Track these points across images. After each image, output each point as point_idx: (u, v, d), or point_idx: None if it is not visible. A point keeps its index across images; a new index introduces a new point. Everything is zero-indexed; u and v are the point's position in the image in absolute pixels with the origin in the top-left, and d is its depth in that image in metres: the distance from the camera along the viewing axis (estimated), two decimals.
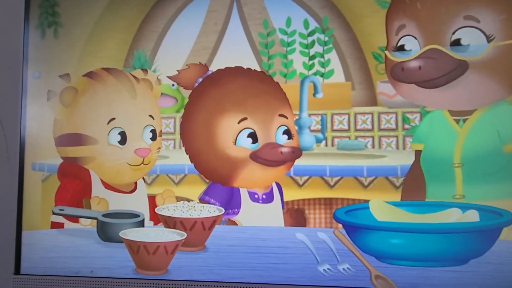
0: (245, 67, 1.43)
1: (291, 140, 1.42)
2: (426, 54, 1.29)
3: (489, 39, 1.26)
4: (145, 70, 1.51)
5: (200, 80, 1.44)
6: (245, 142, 1.39)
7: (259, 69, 1.46)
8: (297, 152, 1.39)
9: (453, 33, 1.28)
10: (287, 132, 1.41)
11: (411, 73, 1.30)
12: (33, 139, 1.52)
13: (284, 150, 1.38)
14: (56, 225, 1.48)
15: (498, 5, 1.26)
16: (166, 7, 1.54)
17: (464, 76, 1.27)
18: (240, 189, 1.42)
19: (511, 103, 1.28)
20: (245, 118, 1.39)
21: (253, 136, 1.39)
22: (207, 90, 1.43)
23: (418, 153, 1.35)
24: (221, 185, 1.42)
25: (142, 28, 1.55)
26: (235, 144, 1.39)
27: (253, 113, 1.39)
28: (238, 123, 1.39)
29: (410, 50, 1.32)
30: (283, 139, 1.40)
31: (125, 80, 1.49)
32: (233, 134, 1.39)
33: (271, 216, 1.42)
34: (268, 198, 1.43)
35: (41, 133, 1.52)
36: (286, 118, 1.41)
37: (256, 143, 1.39)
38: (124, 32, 1.55)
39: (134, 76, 1.50)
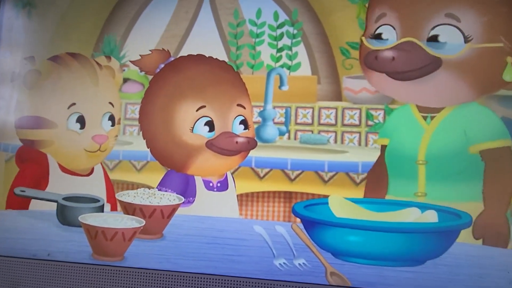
0: (207, 56, 1.28)
1: (247, 130, 1.27)
2: (401, 46, 1.15)
3: (467, 39, 1.12)
4: (108, 57, 1.37)
5: (162, 66, 1.28)
6: (202, 130, 1.25)
7: (227, 59, 1.31)
8: (252, 142, 1.25)
9: (432, 29, 1.14)
10: (244, 122, 1.26)
11: (384, 62, 1.16)
12: (1, 120, 1.36)
13: (240, 140, 1.24)
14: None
15: (481, 7, 1.12)
16: None
17: (436, 73, 1.13)
18: (195, 178, 1.27)
19: (482, 105, 1.14)
20: (204, 106, 1.24)
21: (210, 125, 1.25)
22: (167, 75, 1.28)
23: (383, 148, 1.21)
24: (176, 175, 1.27)
25: (114, 12, 1.40)
26: (192, 131, 1.25)
27: (212, 101, 1.25)
28: (197, 110, 1.24)
29: (387, 39, 1.18)
30: (239, 129, 1.26)
31: (89, 67, 1.35)
32: (190, 121, 1.25)
33: (225, 204, 1.28)
34: (223, 186, 1.29)
35: (8, 115, 1.36)
36: (244, 108, 1.26)
37: (213, 132, 1.25)
38: (96, 16, 1.40)
39: (97, 63, 1.36)
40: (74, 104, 1.33)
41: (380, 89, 1.21)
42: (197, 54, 1.29)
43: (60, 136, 1.33)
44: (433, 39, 1.14)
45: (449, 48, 1.13)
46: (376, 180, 1.20)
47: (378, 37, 1.19)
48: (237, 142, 1.24)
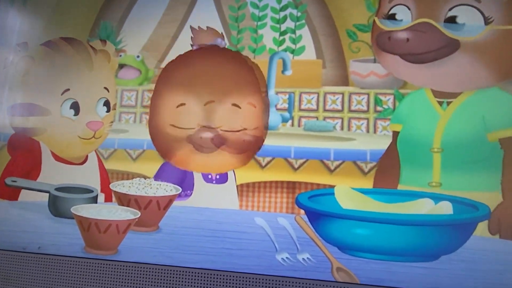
0: (221, 48, 1.21)
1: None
2: (416, 27, 1.07)
3: (487, 21, 1.04)
4: (103, 41, 1.31)
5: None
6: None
7: (227, 43, 1.23)
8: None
9: (450, 10, 1.06)
10: None
11: (397, 43, 1.09)
12: None
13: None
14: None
15: None
16: None
17: (454, 56, 1.06)
18: None
19: (503, 90, 1.05)
20: (212, 101, 1.18)
21: None
22: (178, 67, 1.21)
23: (396, 134, 1.13)
24: (172, 166, 1.20)
25: None
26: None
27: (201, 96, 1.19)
28: (205, 105, 1.18)
29: (401, 20, 1.10)
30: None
31: (83, 51, 1.29)
32: (198, 117, 1.18)
33: (225, 197, 1.21)
34: (222, 178, 1.22)
35: (1, 102, 1.30)
36: (255, 107, 1.19)
37: None
38: (92, 1, 1.32)
39: (92, 47, 1.29)
40: (68, 90, 1.27)
41: (393, 72, 1.13)
42: (210, 45, 1.21)
43: (54, 123, 1.27)
44: (451, 20, 1.06)
45: (468, 29, 1.05)
46: (387, 169, 1.12)
47: (391, 17, 1.11)
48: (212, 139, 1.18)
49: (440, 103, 1.09)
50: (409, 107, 1.13)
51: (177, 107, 1.19)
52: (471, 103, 1.07)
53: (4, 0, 1.33)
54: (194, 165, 1.20)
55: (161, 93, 1.20)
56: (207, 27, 1.22)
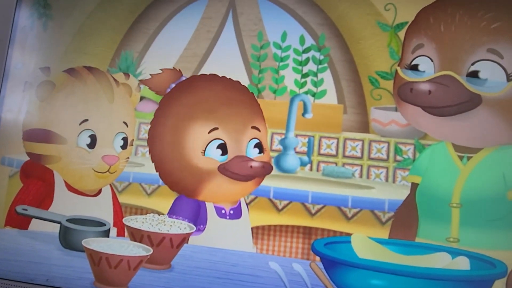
0: (220, 75, 1.22)
1: (262, 154, 1.20)
2: (439, 79, 1.06)
3: (509, 77, 1.04)
4: (127, 75, 1.30)
5: (173, 85, 1.22)
6: (214, 154, 1.17)
7: (248, 82, 1.24)
8: (267, 167, 1.18)
9: (472, 64, 1.05)
10: (259, 146, 1.19)
11: (419, 95, 1.08)
12: (7, 132, 1.29)
13: (255, 164, 1.16)
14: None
15: None
16: (160, 9, 1.32)
17: (475, 111, 1.05)
18: (207, 204, 1.19)
19: None
20: (216, 128, 1.17)
21: (223, 148, 1.17)
22: (178, 96, 1.21)
23: (414, 186, 1.12)
24: (186, 201, 1.19)
25: (133, 28, 1.33)
26: (204, 154, 1.17)
27: (225, 123, 1.17)
28: (208, 132, 1.17)
29: (424, 71, 1.09)
30: (254, 152, 1.18)
31: (105, 82, 1.28)
32: (202, 144, 1.17)
33: (239, 233, 1.20)
34: (236, 213, 1.21)
35: (16, 127, 1.29)
36: (259, 131, 1.19)
37: (226, 155, 1.17)
38: (114, 31, 1.33)
39: (114, 79, 1.29)
40: (86, 120, 1.26)
41: (414, 123, 1.13)
42: (210, 74, 1.22)
43: (69, 153, 1.26)
44: (473, 74, 1.06)
45: (490, 85, 1.05)
46: (405, 221, 1.11)
47: (414, 68, 1.11)
48: (251, 166, 1.16)
49: (461, 158, 1.08)
50: (429, 159, 1.12)
51: (209, 132, 1.17)
52: (491, 160, 1.07)
53: (24, 23, 1.34)
54: (226, 196, 1.19)
55: (182, 124, 1.18)
56: (162, 69, 1.23)
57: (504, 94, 1.04)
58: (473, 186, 1.06)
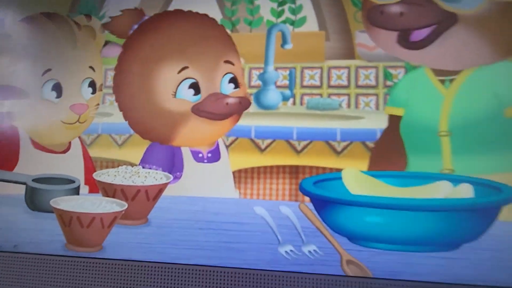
0: (185, 10, 1.16)
1: (238, 89, 1.15)
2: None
3: None
4: (88, 16, 1.25)
5: (136, 27, 1.16)
6: (186, 94, 1.13)
7: (221, 16, 1.18)
8: (244, 102, 1.14)
9: None
10: (234, 80, 1.15)
11: (391, 18, 1.03)
12: None
13: (230, 101, 1.12)
14: None
15: None
16: None
17: (452, 31, 1.00)
18: (182, 148, 1.15)
19: None
20: (186, 67, 1.12)
21: (195, 87, 1.13)
22: (142, 37, 1.16)
23: (393, 118, 1.07)
24: (160, 147, 1.15)
25: None
26: (175, 96, 1.13)
27: (195, 60, 1.13)
28: (178, 72, 1.12)
29: None
30: (229, 88, 1.15)
31: (66, 27, 1.23)
32: (172, 86, 1.13)
33: (219, 178, 1.16)
34: (214, 156, 1.17)
35: None
36: (233, 64, 1.15)
37: (199, 95, 1.13)
38: None
39: (76, 23, 1.23)
40: (49, 70, 1.21)
41: (387, 50, 1.07)
42: (174, 10, 1.17)
43: (33, 107, 1.22)
44: None
45: (466, 2, 0.99)
46: (384, 157, 1.06)
47: None
48: (227, 103, 1.12)
49: (442, 82, 1.03)
50: (408, 89, 1.08)
51: (179, 72, 1.12)
52: (477, 80, 1.02)
53: None
54: (202, 139, 1.14)
55: (149, 66, 1.12)
56: (123, 10, 1.17)
57: (481, 10, 0.99)
58: (460, 110, 1.02)
